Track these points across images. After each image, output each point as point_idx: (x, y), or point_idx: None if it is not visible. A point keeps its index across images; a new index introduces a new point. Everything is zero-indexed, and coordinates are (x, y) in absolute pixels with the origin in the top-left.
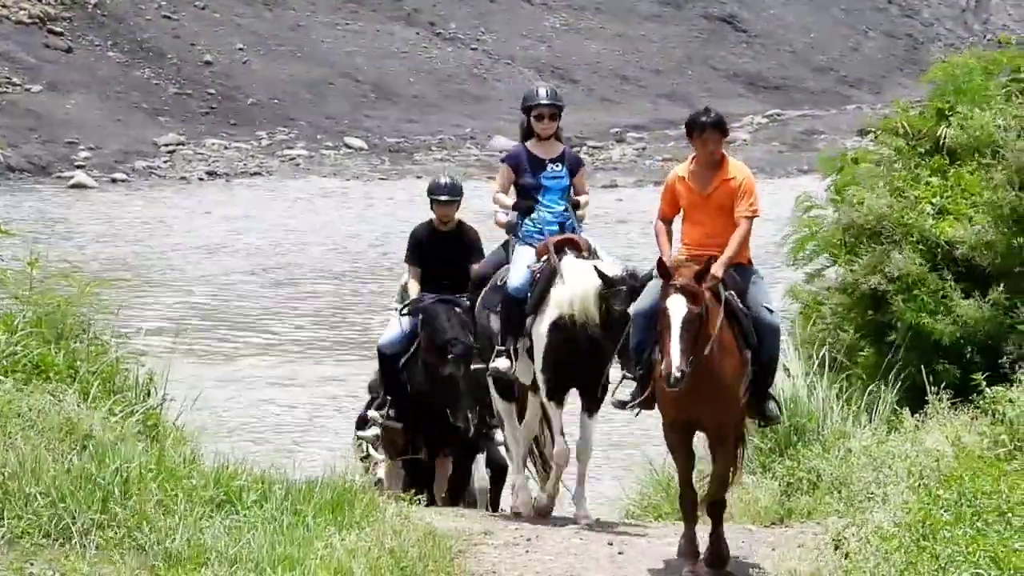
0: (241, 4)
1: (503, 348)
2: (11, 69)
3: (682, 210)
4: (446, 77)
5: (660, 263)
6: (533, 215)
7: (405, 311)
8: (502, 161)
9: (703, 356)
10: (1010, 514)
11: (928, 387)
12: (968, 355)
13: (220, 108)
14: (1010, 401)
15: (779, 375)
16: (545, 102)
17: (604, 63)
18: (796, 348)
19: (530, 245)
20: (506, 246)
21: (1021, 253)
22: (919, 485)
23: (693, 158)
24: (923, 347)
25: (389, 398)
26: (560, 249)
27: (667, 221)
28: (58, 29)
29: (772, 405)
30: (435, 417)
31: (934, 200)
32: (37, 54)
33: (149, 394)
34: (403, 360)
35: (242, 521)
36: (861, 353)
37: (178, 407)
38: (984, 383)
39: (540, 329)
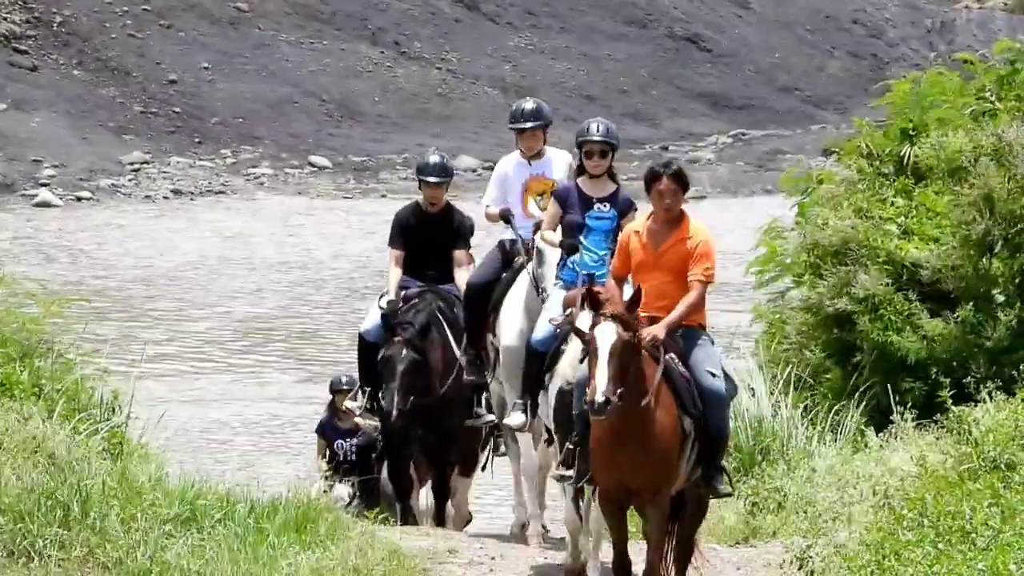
0: (206, 23)
1: (520, 402)
2: None
3: (632, 267)
4: (411, 96)
5: (589, 291)
6: (574, 256)
7: (383, 301)
8: (552, 195)
9: (635, 398)
10: (974, 534)
11: (894, 406)
12: (934, 375)
13: (185, 127)
14: (975, 420)
15: (742, 395)
16: (596, 138)
17: (568, 82)
18: (761, 367)
19: (566, 291)
20: (502, 250)
21: (987, 276)
22: (883, 504)
23: (651, 214)
24: (889, 367)
25: (367, 389)
26: (583, 304)
27: (620, 280)
28: (23, 47)
29: (722, 479)
30: (414, 418)
31: (899, 220)
32: (2, 72)
33: (114, 412)
34: (381, 353)
35: (206, 539)
36: (826, 374)
37: (142, 425)
38: (950, 402)
39: (551, 391)
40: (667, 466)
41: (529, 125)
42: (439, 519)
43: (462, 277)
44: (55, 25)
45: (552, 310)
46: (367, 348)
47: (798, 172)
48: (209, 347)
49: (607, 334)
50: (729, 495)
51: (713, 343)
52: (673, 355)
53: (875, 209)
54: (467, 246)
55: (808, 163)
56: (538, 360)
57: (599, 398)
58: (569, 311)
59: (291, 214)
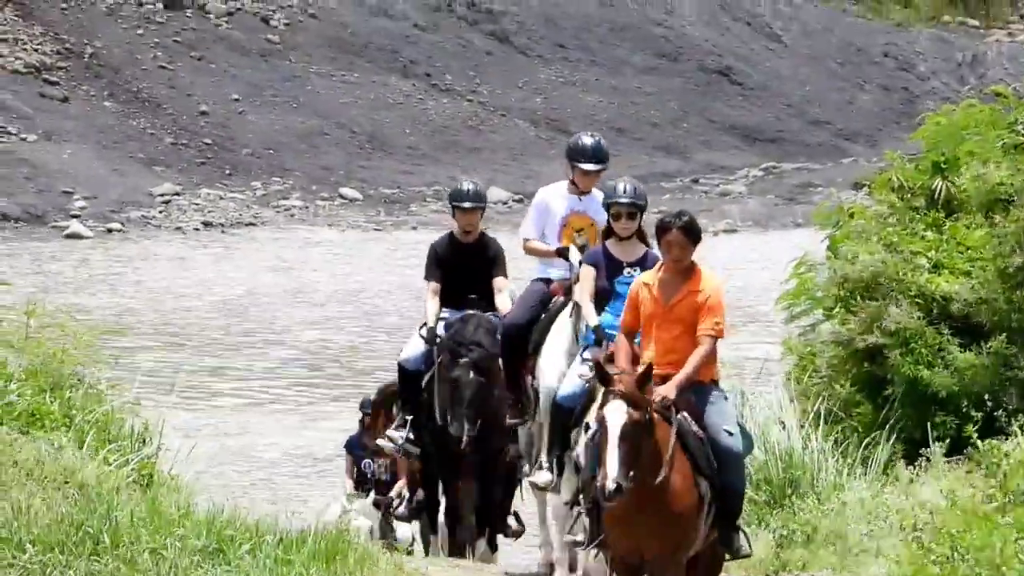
0: (237, 55)
1: (546, 459)
2: (6, 118)
3: (642, 321)
4: (441, 128)
5: (598, 366)
6: (602, 317)
7: (424, 331)
8: (580, 262)
9: (650, 476)
10: (1003, 567)
11: (931, 439)
12: (964, 408)
13: (215, 158)
14: (1005, 455)
15: (772, 427)
16: (624, 200)
17: (599, 115)
18: (791, 400)
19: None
20: (540, 288)
21: (1020, 308)
22: (913, 538)
23: (662, 265)
24: (919, 400)
25: (408, 419)
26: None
27: (630, 333)
28: (54, 79)
29: (741, 538)
30: (451, 445)
31: (929, 254)
32: (33, 103)
33: (144, 443)
34: (426, 379)
35: (233, 570)
36: (857, 408)
37: (173, 456)
38: (975, 436)
39: (579, 447)
40: (684, 532)
41: (593, 168)
42: (491, 544)
43: (504, 303)
44: (86, 56)
45: (581, 366)
46: (408, 378)
47: (829, 205)
48: (261, 379)
49: (617, 415)
50: (748, 556)
51: (727, 398)
52: (686, 414)
53: (905, 243)
54: (505, 273)
55: (839, 196)
56: (565, 415)
57: (611, 485)
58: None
59: (330, 245)
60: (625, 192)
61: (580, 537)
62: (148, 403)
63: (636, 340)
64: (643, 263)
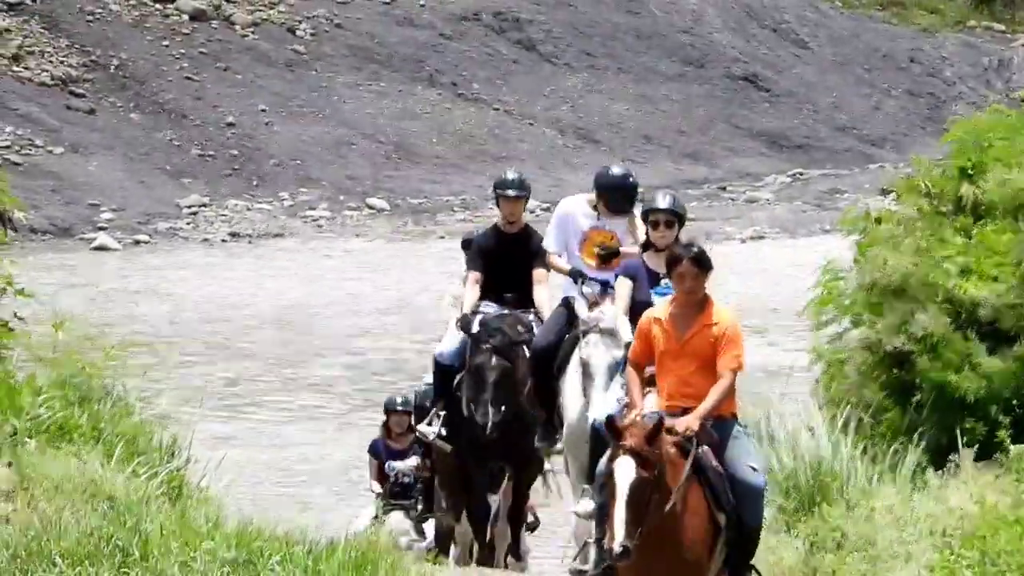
0: (263, 65)
1: (588, 488)
2: (33, 131)
3: (656, 356)
4: (468, 137)
5: (610, 421)
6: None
7: (462, 321)
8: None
9: (656, 524)
10: None
11: (959, 445)
12: (993, 413)
13: (243, 169)
14: None
15: (802, 434)
16: (663, 207)
17: (626, 123)
18: (820, 407)
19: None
20: (567, 308)
21: None
22: (943, 544)
23: (673, 298)
24: (948, 406)
25: (441, 414)
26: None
27: (639, 367)
28: (80, 91)
29: None
30: (480, 438)
31: (958, 259)
32: (59, 116)
33: (173, 455)
34: (459, 377)
35: None
36: (885, 413)
37: (202, 468)
38: (1008, 441)
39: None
40: (696, 570)
41: (619, 195)
42: (515, 550)
43: (542, 294)
44: (112, 68)
45: (617, 389)
46: (443, 372)
47: (856, 212)
48: (301, 390)
49: (626, 473)
50: None
51: (749, 434)
52: (706, 447)
53: (935, 249)
54: (546, 266)
55: (866, 202)
56: (603, 443)
57: (617, 548)
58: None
59: (360, 254)
60: (664, 201)
61: (587, 568)
62: (181, 415)
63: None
64: None
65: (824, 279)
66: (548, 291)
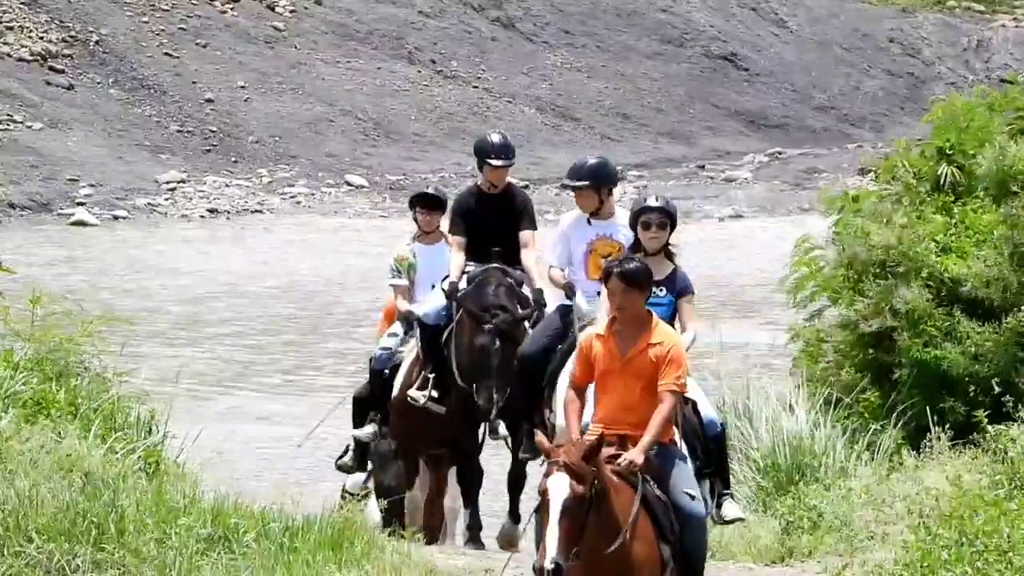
0: (242, 42)
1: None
2: (12, 106)
3: (596, 375)
4: (447, 115)
5: (540, 443)
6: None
7: (446, 285)
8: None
9: (603, 544)
10: (1010, 553)
11: (932, 426)
12: (973, 392)
13: (221, 146)
14: (1012, 440)
15: (780, 414)
16: (655, 205)
17: (605, 101)
18: (798, 386)
19: None
20: (563, 317)
21: None
22: (919, 524)
23: (613, 316)
24: (928, 385)
25: (431, 376)
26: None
27: (580, 389)
28: (59, 66)
29: None
30: (476, 411)
31: (938, 237)
32: (38, 91)
33: (151, 431)
34: (447, 334)
35: (239, 558)
36: (864, 395)
37: (179, 444)
38: (985, 421)
39: None
40: None
41: (577, 184)
42: (514, 510)
43: (529, 258)
44: (91, 44)
45: None
46: (430, 334)
47: (834, 190)
48: (246, 371)
49: (559, 489)
50: None
51: (686, 459)
52: (649, 478)
53: (916, 225)
54: (533, 226)
55: (845, 182)
56: None
57: (548, 565)
58: None
59: (340, 231)
60: (656, 200)
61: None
62: (161, 392)
63: None
64: (671, 282)
65: (799, 256)
66: (535, 255)
